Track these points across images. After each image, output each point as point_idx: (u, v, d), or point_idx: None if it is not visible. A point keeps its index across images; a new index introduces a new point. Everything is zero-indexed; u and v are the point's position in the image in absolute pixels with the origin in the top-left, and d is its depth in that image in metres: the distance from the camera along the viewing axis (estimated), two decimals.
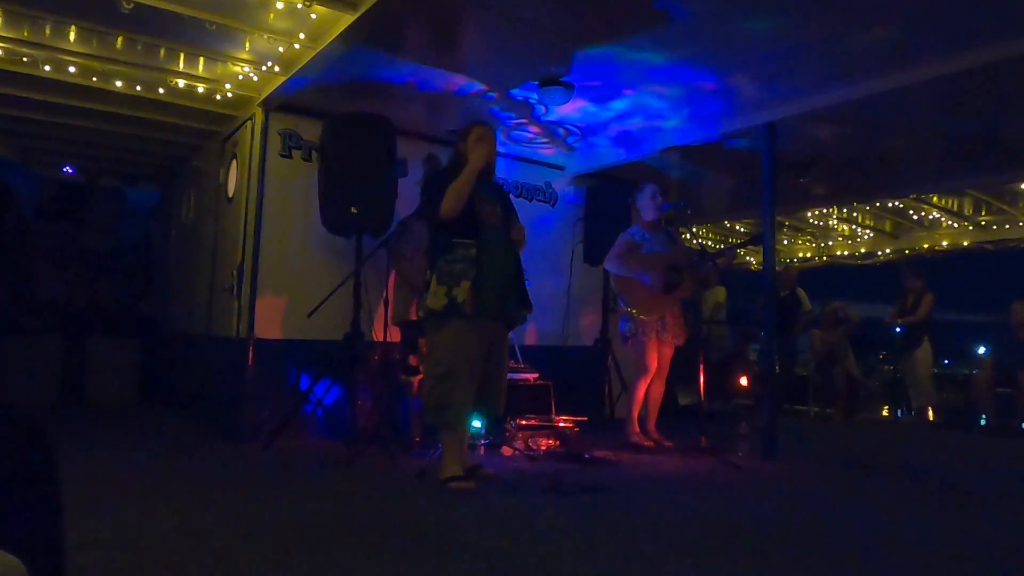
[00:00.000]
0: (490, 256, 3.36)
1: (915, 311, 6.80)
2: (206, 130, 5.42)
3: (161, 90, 4.58)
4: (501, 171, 5.58)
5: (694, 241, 9.28)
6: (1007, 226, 7.44)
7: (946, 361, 7.36)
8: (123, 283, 7.74)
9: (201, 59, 4.23)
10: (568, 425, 4.49)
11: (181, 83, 4.46)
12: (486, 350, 3.36)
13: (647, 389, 4.66)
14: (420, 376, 4.40)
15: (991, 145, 5.29)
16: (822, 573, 2.27)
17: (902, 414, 7.41)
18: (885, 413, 8.00)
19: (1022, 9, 3.20)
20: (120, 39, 3.94)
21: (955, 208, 7.53)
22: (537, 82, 4.26)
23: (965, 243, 7.83)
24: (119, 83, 4.48)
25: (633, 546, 2.47)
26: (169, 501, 2.94)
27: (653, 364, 4.58)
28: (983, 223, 7.59)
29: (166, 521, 2.61)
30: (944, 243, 7.97)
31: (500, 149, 5.36)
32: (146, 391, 6.71)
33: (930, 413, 6.79)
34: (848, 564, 2.37)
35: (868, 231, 8.55)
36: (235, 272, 4.81)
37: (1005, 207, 7.17)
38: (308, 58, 3.92)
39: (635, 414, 4.64)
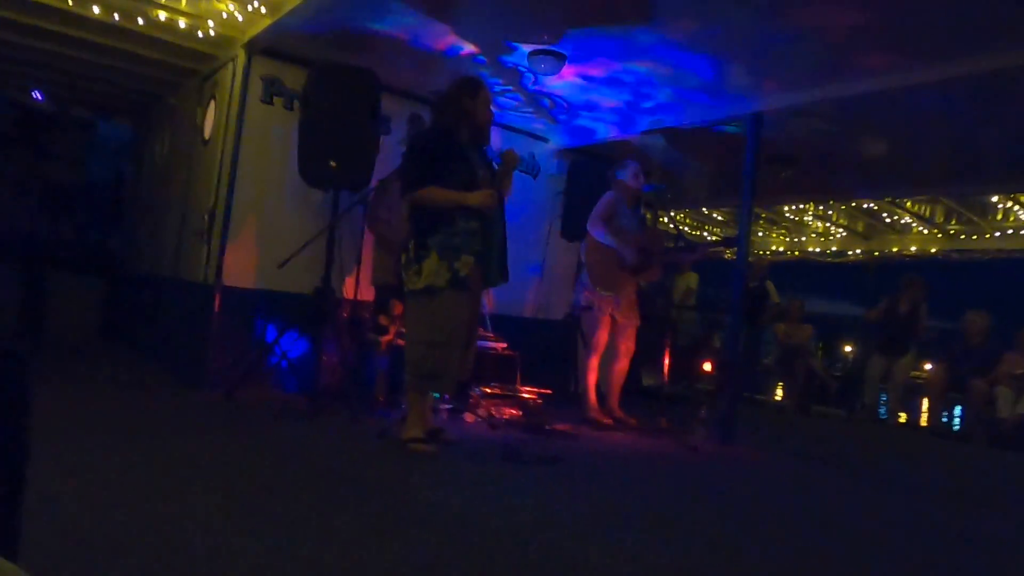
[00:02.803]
0: (491, 227, 3.37)
1: (908, 315, 6.83)
2: (185, 68, 5.25)
3: (141, 21, 4.41)
4: None
5: (671, 226, 9.36)
6: (974, 237, 7.62)
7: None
8: (89, 219, 7.54)
9: None
10: (532, 396, 4.53)
11: (162, 16, 4.31)
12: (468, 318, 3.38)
13: (610, 367, 4.71)
14: (389, 336, 4.40)
15: (968, 155, 5.39)
16: (755, 551, 2.35)
17: (855, 411, 7.62)
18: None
19: (1009, 22, 3.23)
20: None
21: (927, 215, 7.69)
22: (527, 50, 4.20)
23: (933, 250, 8.02)
24: (96, 9, 4.30)
25: (581, 517, 2.52)
26: (123, 441, 2.91)
27: (604, 340, 4.62)
28: (952, 232, 7.77)
29: (117, 459, 2.59)
30: (913, 248, 8.15)
31: None
32: (108, 331, 6.59)
33: (902, 417, 6.93)
34: (778, 543, 2.45)
35: (841, 230, 8.69)
36: (207, 216, 4.71)
37: (975, 218, 7.34)
38: (296, 2, 3.81)
39: (591, 390, 4.69)
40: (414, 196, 3.29)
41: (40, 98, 6.81)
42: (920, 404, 7.08)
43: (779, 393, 7.55)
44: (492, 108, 3.51)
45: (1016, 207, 6.97)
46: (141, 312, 6.05)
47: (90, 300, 6.64)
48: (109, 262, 7.02)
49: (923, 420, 7.01)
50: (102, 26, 4.50)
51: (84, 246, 7.24)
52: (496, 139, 5.66)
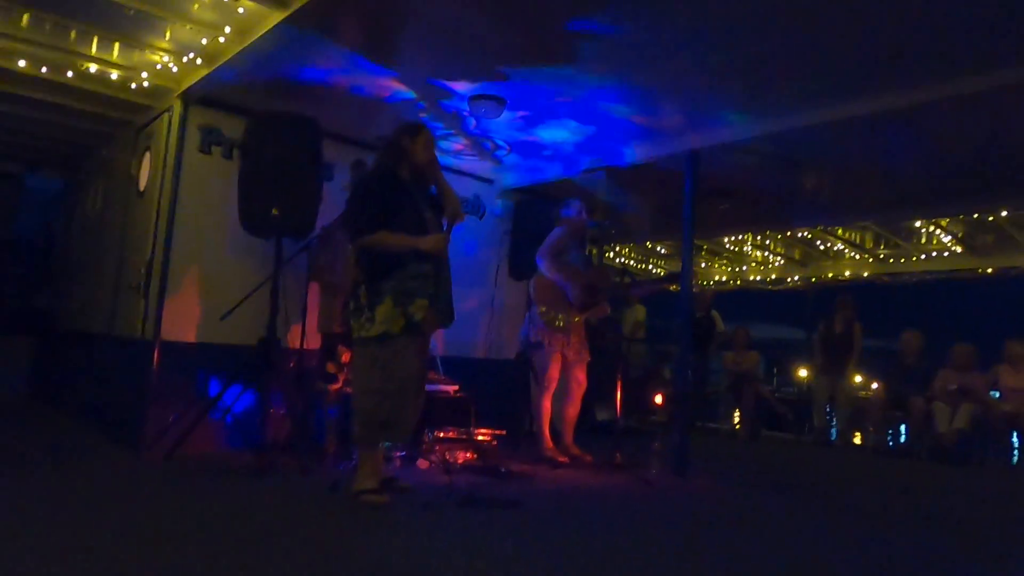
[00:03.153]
0: (441, 270, 3.34)
1: (844, 335, 7.07)
2: (119, 119, 5.14)
3: (70, 74, 4.31)
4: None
5: (616, 260, 9.52)
6: (902, 260, 8.00)
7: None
8: (17, 275, 7.21)
9: (116, 44, 4.02)
10: (486, 439, 4.48)
11: (93, 68, 4.22)
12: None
13: (562, 403, 4.71)
14: (337, 385, 4.30)
15: (892, 184, 5.68)
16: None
17: (803, 433, 7.79)
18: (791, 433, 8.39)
19: (927, 57, 3.44)
20: (26, 16, 3.69)
21: (857, 241, 8.04)
22: (467, 94, 4.27)
23: (865, 274, 8.37)
24: (22, 63, 4.19)
25: (541, 561, 2.48)
26: (53, 514, 2.74)
27: (555, 376, 4.63)
28: (882, 256, 8.13)
29: (46, 534, 2.43)
30: (847, 273, 8.48)
31: None
32: (38, 392, 6.25)
33: (857, 438, 7.10)
34: (735, 568, 2.47)
35: (779, 258, 9.00)
36: (144, 270, 4.56)
37: (900, 242, 7.71)
38: (233, 52, 3.79)
39: (546, 428, 4.67)
40: (364, 241, 3.24)
41: None
42: (866, 422, 7.29)
43: (732, 420, 7.67)
44: (433, 151, 3.47)
45: (938, 231, 7.35)
46: (74, 372, 5.78)
47: (18, 360, 6.32)
48: (38, 320, 6.71)
49: (863, 439, 7.24)
50: (29, 79, 4.38)
51: (12, 303, 6.91)
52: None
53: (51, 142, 5.99)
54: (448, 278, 3.44)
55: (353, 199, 3.41)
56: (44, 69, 4.25)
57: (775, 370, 11.06)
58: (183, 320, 4.46)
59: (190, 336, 4.49)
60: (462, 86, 4.17)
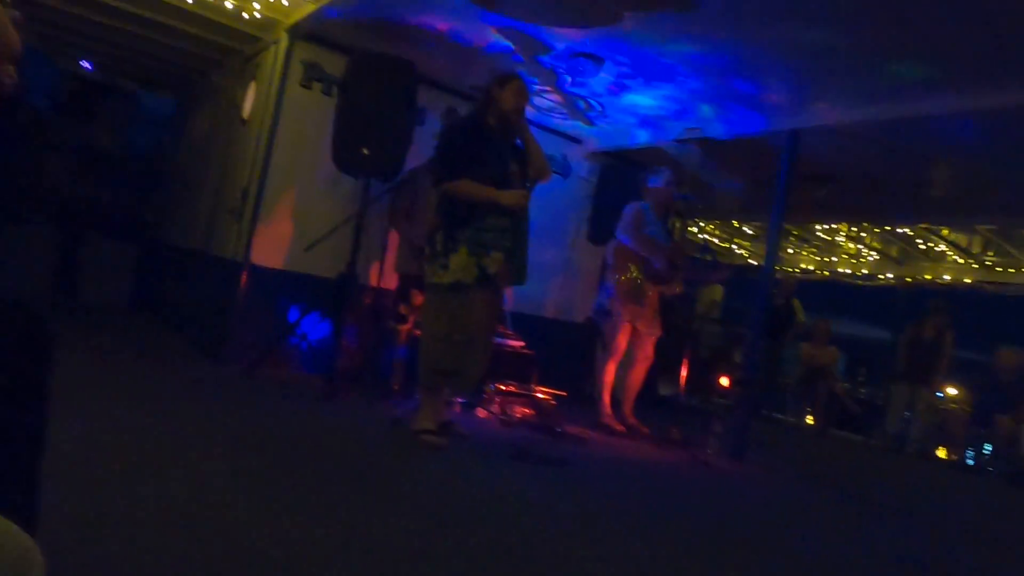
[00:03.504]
0: (520, 225, 3.31)
1: (934, 342, 6.72)
2: (229, 47, 5.34)
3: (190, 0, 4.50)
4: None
5: (699, 236, 9.28)
6: (1011, 270, 7.43)
7: (940, 396, 7.33)
8: (128, 188, 7.71)
9: None
10: (546, 397, 4.53)
11: None
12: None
13: (626, 374, 4.69)
14: (408, 326, 4.44)
15: (1010, 187, 5.26)
16: (742, 567, 2.33)
17: (875, 438, 7.49)
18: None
19: None
20: None
21: (964, 244, 7.52)
22: (566, 51, 4.20)
23: (967, 280, 7.83)
24: None
25: (579, 520, 2.53)
26: (141, 409, 2.98)
27: (623, 345, 4.58)
28: (988, 263, 7.58)
29: (133, 426, 2.66)
30: (947, 276, 7.97)
31: None
32: (138, 297, 6.74)
33: (941, 452, 6.75)
34: (768, 563, 2.43)
35: (873, 253, 8.54)
36: (240, 195, 4.79)
37: (1013, 251, 7.16)
38: None
39: (606, 396, 4.66)
40: (446, 187, 3.26)
41: (89, 67, 6.98)
42: (945, 435, 6.93)
43: (801, 413, 7.46)
44: (523, 101, 3.37)
45: None
46: (171, 283, 6.19)
47: (123, 266, 6.80)
48: (144, 231, 7.18)
49: (943, 452, 6.87)
50: (153, 2, 4.59)
51: (121, 213, 7.41)
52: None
53: (167, 64, 6.31)
54: (526, 235, 3.41)
55: (440, 145, 3.44)
56: None
57: (855, 369, 10.62)
58: (271, 246, 4.68)
59: (276, 262, 4.71)
60: (561, 41, 4.10)
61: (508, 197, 3.24)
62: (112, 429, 2.57)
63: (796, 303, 7.72)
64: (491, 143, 3.33)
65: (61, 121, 7.19)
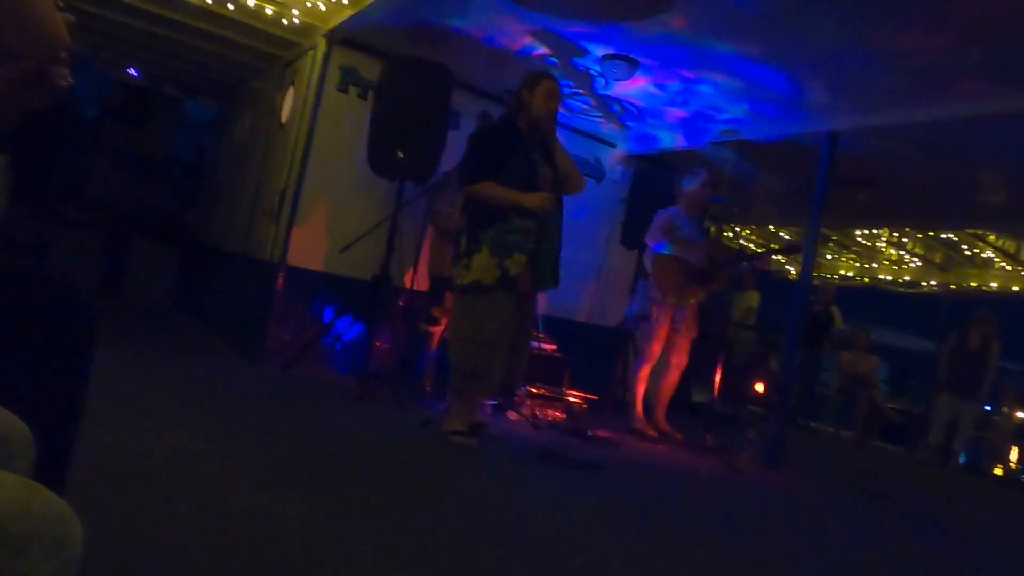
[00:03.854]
0: (546, 228, 3.28)
1: (979, 352, 6.51)
2: (268, 53, 5.46)
3: (231, 6, 4.61)
4: None
5: (737, 241, 9.16)
6: None
7: (987, 407, 7.05)
8: (172, 192, 7.94)
9: None
10: (577, 401, 4.52)
11: (251, 2, 4.49)
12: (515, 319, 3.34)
13: (660, 379, 4.64)
14: (440, 328, 4.46)
15: None
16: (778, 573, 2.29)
17: (917, 449, 7.28)
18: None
19: None
20: None
21: (1012, 251, 7.27)
22: (601, 54, 4.19)
23: (1015, 288, 7.57)
24: None
25: (610, 524, 2.50)
26: (179, 402, 3.06)
27: (658, 351, 4.53)
28: None
29: (172, 418, 2.72)
30: (993, 284, 7.71)
31: None
32: (180, 299, 6.92)
33: (998, 469, 6.47)
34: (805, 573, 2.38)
35: (916, 259, 8.32)
36: (278, 197, 4.89)
37: None
38: None
39: (639, 401, 4.60)
40: (471, 189, 3.27)
41: (136, 75, 7.20)
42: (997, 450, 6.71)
43: (839, 423, 7.29)
44: (555, 103, 3.36)
45: None
46: (211, 284, 6.33)
47: (166, 268, 7.00)
48: (186, 234, 7.37)
49: (1000, 471, 6.64)
50: (196, 9, 4.73)
51: (164, 217, 7.62)
52: (562, 138, 5.69)
53: (209, 71, 6.47)
54: (553, 238, 3.36)
55: (469, 147, 3.43)
56: (209, 0, 4.57)
57: (897, 379, 10.34)
58: (308, 248, 4.76)
59: (312, 264, 4.78)
60: (596, 44, 4.09)
61: (532, 200, 3.20)
62: (150, 425, 2.63)
63: (835, 310, 7.57)
64: (520, 146, 3.32)
65: (110, 128, 7.44)
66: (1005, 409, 7.04)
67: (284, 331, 4.62)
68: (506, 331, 3.26)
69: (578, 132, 5.74)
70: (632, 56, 4.15)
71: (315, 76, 4.73)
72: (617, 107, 5.15)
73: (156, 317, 6.20)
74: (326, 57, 4.69)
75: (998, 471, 6.67)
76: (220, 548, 1.65)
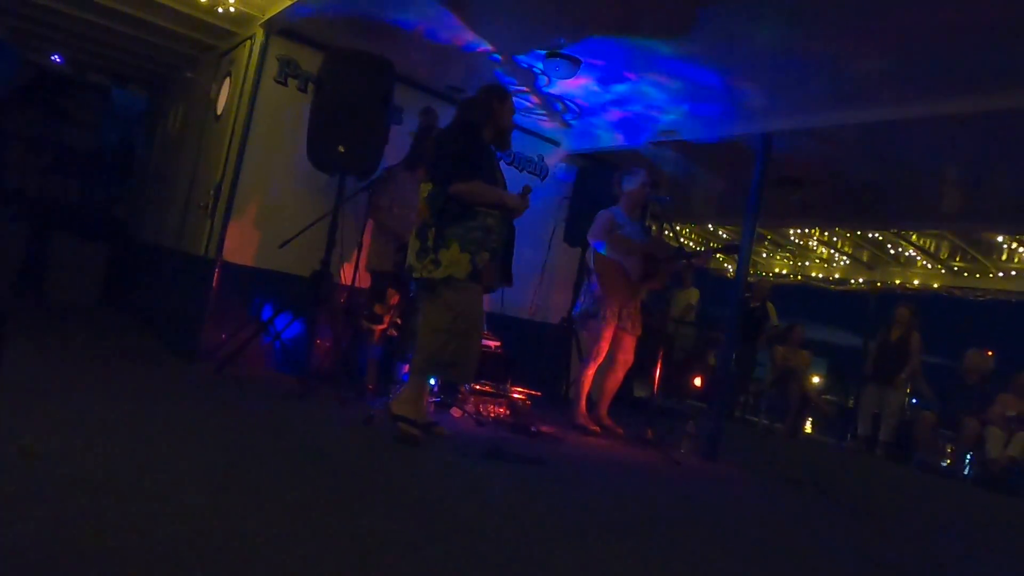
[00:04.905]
0: (505, 226, 3.42)
1: (899, 344, 6.84)
2: (203, 42, 5.28)
3: None
4: None
5: (676, 239, 9.35)
6: (978, 275, 7.60)
7: (914, 401, 7.44)
8: (99, 184, 7.57)
9: None
10: (521, 397, 4.53)
11: None
12: None
13: (605, 375, 4.71)
14: (383, 326, 4.41)
15: (977, 193, 5.38)
16: (718, 565, 2.35)
17: (846, 440, 7.61)
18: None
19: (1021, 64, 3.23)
20: None
21: (932, 249, 7.66)
22: (544, 52, 4.21)
23: (935, 285, 7.98)
24: None
25: (553, 518, 2.52)
26: (110, 404, 2.92)
27: (605, 349, 4.60)
28: (956, 268, 7.74)
29: (102, 421, 2.60)
30: (915, 281, 8.12)
31: None
32: (108, 295, 6.61)
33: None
34: (743, 560, 2.45)
35: (845, 258, 8.67)
36: (213, 191, 4.73)
37: (980, 257, 7.31)
38: None
39: (583, 397, 4.67)
40: (460, 187, 3.28)
41: (59, 61, 6.85)
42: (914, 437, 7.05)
43: (772, 416, 7.55)
44: (512, 117, 3.59)
45: (1021, 248, 6.94)
46: (141, 280, 6.08)
47: (93, 264, 6.67)
48: (114, 228, 7.05)
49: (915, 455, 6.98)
50: None
51: (91, 210, 7.27)
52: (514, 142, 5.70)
53: (140, 59, 6.21)
54: (510, 240, 3.50)
55: (448, 145, 3.41)
56: None
57: (831, 372, 10.79)
58: (244, 244, 4.63)
59: (249, 260, 4.65)
60: (539, 40, 4.11)
61: (514, 200, 3.41)
62: (80, 429, 2.51)
63: (770, 307, 7.82)
64: (486, 154, 3.46)
65: (25, 114, 7.04)
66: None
67: (220, 329, 4.47)
68: (480, 321, 3.38)
69: (522, 129, 5.76)
70: (574, 55, 4.19)
71: (252, 67, 4.60)
72: (560, 105, 5.19)
73: (83, 315, 5.91)
74: (264, 48, 4.57)
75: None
76: (157, 554, 1.58)
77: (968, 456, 6.31)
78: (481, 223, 3.31)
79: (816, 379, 8.26)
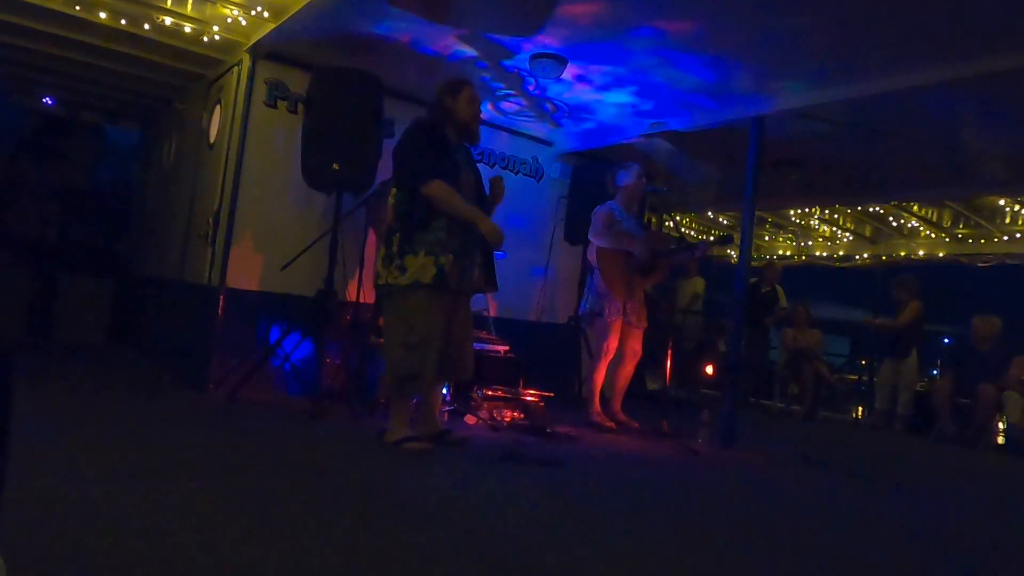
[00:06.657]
0: (472, 231, 3.32)
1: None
2: (191, 72, 5.31)
3: (147, 26, 4.46)
4: (489, 142, 5.57)
5: (677, 230, 9.33)
6: (982, 241, 7.55)
7: (935, 372, 7.37)
8: (99, 222, 7.62)
9: None
10: (534, 400, 4.52)
11: (168, 21, 4.36)
12: (447, 319, 3.35)
13: (615, 370, 4.70)
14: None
15: (975, 158, 5.35)
16: (750, 554, 2.34)
17: (864, 417, 7.56)
18: (857, 414, 8.14)
19: (1014, 24, 3.21)
20: None
21: (934, 219, 7.63)
22: (529, 53, 4.22)
23: (940, 254, 7.95)
24: (103, 15, 4.36)
25: (577, 519, 2.51)
26: (122, 438, 2.93)
27: (614, 345, 4.60)
28: (960, 236, 7.70)
29: (114, 455, 2.61)
30: (920, 252, 8.08)
31: (489, 119, 5.34)
32: (115, 332, 6.65)
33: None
34: (774, 547, 2.44)
35: (848, 234, 8.64)
36: (211, 219, 4.75)
37: (983, 222, 7.27)
38: (299, 6, 3.85)
39: (596, 394, 4.67)
40: (430, 189, 3.21)
41: (51, 103, 6.90)
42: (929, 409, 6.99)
43: (788, 398, 7.51)
44: (477, 107, 3.47)
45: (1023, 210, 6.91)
46: (147, 314, 6.11)
47: (99, 301, 6.71)
48: (117, 264, 7.09)
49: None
50: (109, 31, 4.56)
51: (94, 248, 7.32)
52: (499, 141, 5.72)
53: (130, 94, 6.25)
54: (480, 242, 3.39)
55: (408, 145, 3.35)
56: (123, 21, 4.41)
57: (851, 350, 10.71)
58: (247, 269, 4.64)
59: (253, 284, 4.67)
60: (523, 44, 4.12)
61: (487, 226, 3.30)
62: (91, 455, 2.52)
63: (780, 290, 7.79)
64: (448, 150, 3.37)
65: (26, 160, 7.09)
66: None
67: (229, 356, 4.48)
68: (437, 330, 3.26)
69: (514, 132, 5.77)
70: (560, 55, 4.19)
71: (241, 93, 4.62)
72: (549, 106, 5.20)
73: (93, 354, 5.94)
74: (251, 72, 4.59)
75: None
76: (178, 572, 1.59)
77: (995, 426, 6.25)
78: (444, 223, 3.24)
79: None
